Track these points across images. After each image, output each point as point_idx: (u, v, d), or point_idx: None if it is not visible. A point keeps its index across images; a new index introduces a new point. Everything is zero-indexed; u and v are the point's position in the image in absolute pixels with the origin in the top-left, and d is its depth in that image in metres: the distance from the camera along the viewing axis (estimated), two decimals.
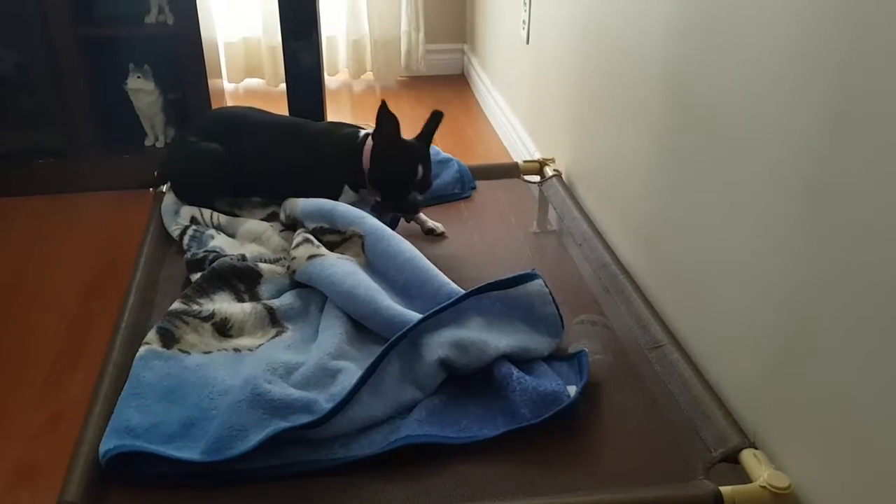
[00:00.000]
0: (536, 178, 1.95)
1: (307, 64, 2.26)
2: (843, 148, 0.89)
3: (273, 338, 1.28)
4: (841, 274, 0.90)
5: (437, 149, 1.98)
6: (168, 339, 1.21)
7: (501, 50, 2.72)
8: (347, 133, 1.66)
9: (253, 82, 3.24)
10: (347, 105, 3.06)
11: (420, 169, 1.57)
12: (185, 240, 1.57)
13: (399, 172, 1.57)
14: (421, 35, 3.21)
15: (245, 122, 1.73)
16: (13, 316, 1.79)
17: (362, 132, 1.64)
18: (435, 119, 1.62)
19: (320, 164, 1.66)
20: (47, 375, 1.59)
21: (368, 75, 3.29)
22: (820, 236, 0.93)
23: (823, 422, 0.94)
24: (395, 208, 1.61)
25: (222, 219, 1.64)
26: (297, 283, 1.41)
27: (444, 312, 1.24)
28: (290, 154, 1.68)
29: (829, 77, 0.91)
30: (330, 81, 3.22)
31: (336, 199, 1.61)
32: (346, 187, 1.65)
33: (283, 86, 2.25)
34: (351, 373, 1.17)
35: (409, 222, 1.68)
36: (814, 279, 0.95)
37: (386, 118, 1.55)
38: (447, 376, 1.18)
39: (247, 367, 1.18)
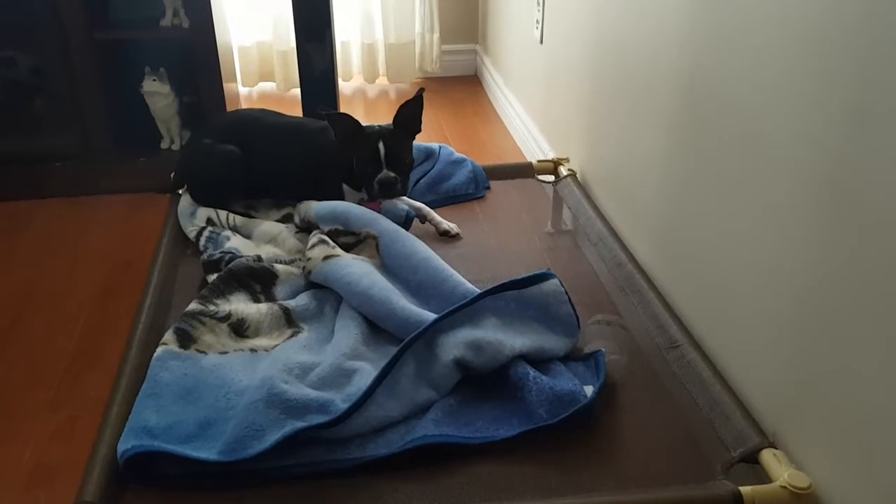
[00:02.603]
0: (551, 178, 1.95)
1: (321, 66, 2.26)
2: (863, 144, 0.88)
3: (289, 338, 1.28)
4: (861, 272, 0.89)
5: (451, 149, 1.98)
6: (185, 340, 1.22)
7: (515, 50, 2.72)
8: None
9: (267, 86, 3.24)
10: (361, 109, 3.06)
11: (381, 147, 1.56)
12: (202, 241, 1.58)
13: (361, 155, 1.57)
14: (436, 36, 3.21)
15: (258, 123, 1.74)
16: (30, 317, 1.80)
17: None
18: (415, 99, 1.60)
19: (319, 163, 1.67)
20: (63, 377, 1.59)
21: (383, 80, 3.29)
22: (840, 234, 0.92)
23: (844, 421, 0.93)
24: (376, 194, 1.59)
25: (238, 220, 1.65)
26: (313, 284, 1.42)
27: (459, 313, 1.24)
28: (295, 154, 1.69)
29: (848, 73, 0.90)
30: (344, 87, 3.22)
31: (340, 198, 1.62)
32: (347, 188, 1.65)
33: (295, 90, 2.25)
34: (366, 373, 1.17)
35: (423, 223, 1.68)
36: (833, 278, 0.93)
37: (335, 119, 1.57)
38: (462, 377, 1.18)
39: (263, 367, 1.19)
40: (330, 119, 1.59)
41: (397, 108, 1.61)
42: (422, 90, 1.62)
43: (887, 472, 0.86)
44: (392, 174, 1.57)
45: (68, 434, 1.45)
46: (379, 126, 1.61)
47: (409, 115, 1.61)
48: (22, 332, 1.75)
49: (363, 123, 1.61)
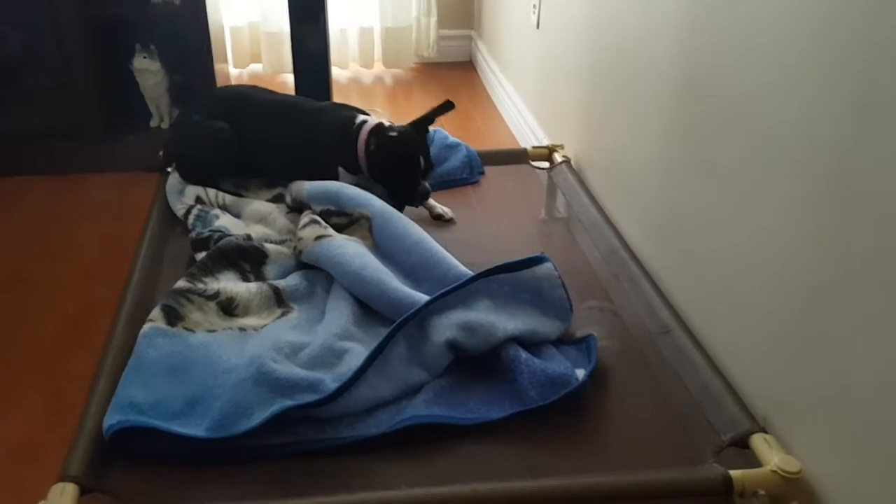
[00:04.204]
0: (545, 165, 1.94)
1: (314, 48, 2.24)
2: (863, 138, 0.87)
3: (279, 318, 1.27)
4: (855, 262, 0.88)
5: (445, 133, 1.97)
6: (172, 317, 1.20)
7: (510, 35, 2.70)
8: (344, 116, 1.64)
9: (258, 68, 3.21)
10: (356, 97, 3.03)
11: (421, 160, 1.57)
12: (190, 219, 1.56)
13: (404, 171, 1.57)
14: (433, 20, 3.19)
15: (248, 100, 1.72)
16: (18, 295, 1.78)
17: (359, 118, 1.61)
18: (442, 107, 1.62)
19: (316, 144, 1.65)
20: (51, 354, 1.58)
21: (378, 67, 3.27)
22: (831, 222, 0.91)
23: (835, 407, 0.93)
24: (406, 201, 1.60)
25: (228, 199, 1.63)
26: (303, 264, 1.40)
27: (452, 294, 1.23)
28: (289, 133, 1.67)
29: (850, 67, 0.89)
30: (340, 74, 3.19)
31: (335, 179, 1.60)
32: (342, 169, 1.64)
33: (284, 75, 2.21)
34: (357, 354, 1.16)
35: (417, 207, 1.67)
36: (824, 263, 0.93)
37: (386, 141, 1.56)
38: (455, 358, 1.17)
39: (252, 346, 1.17)
40: (381, 140, 1.56)
41: (423, 112, 1.61)
42: (451, 103, 1.63)
43: (877, 458, 0.86)
44: (428, 184, 1.59)
45: (55, 411, 1.43)
46: (404, 129, 1.59)
47: (433, 119, 1.62)
48: (10, 310, 1.73)
49: (367, 117, 1.61)
